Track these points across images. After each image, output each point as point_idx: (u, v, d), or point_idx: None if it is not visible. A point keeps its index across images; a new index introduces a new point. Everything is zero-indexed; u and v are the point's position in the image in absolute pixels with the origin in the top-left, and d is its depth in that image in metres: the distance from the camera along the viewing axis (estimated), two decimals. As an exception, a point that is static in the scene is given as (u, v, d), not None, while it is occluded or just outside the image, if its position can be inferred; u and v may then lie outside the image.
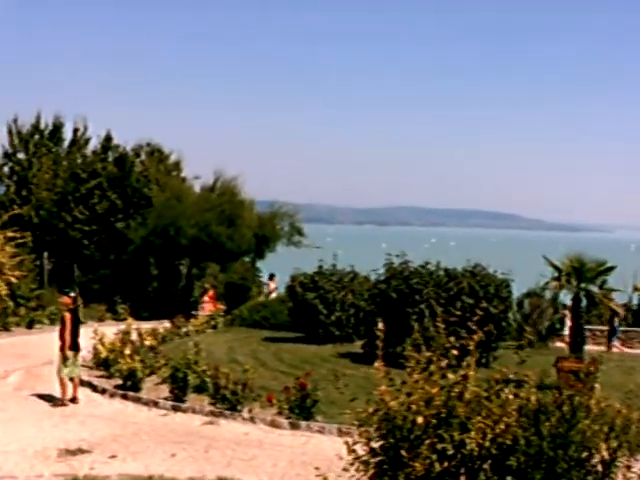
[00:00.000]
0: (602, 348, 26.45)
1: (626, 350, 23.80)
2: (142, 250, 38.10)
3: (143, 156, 41.95)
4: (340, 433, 11.63)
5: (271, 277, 33.89)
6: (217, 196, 39.20)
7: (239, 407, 13.39)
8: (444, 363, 6.08)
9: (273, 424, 12.84)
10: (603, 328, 30.30)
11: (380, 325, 6.71)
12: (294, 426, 12.67)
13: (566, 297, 20.41)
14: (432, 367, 6.07)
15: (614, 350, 25.08)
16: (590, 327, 29.33)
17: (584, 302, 19.94)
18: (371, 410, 6.21)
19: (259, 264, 45.02)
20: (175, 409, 13.79)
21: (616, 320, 26.23)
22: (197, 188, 41.78)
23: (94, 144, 42.62)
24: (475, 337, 6.27)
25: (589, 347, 25.11)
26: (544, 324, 25.78)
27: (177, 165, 43.52)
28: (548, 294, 24.31)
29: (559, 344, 24.10)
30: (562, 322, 25.46)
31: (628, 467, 5.75)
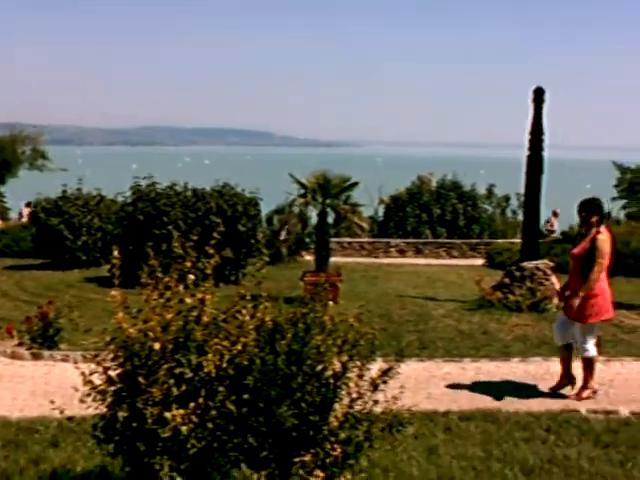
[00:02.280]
0: (350, 259, 27.56)
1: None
2: None
3: None
4: (85, 360, 11.36)
5: (28, 204, 32.52)
6: (-51, 120, 36.84)
7: (-24, 342, 12.76)
8: (181, 287, 5.97)
9: (14, 356, 12.31)
10: (351, 240, 31.55)
11: (115, 252, 6.46)
12: (36, 356, 12.22)
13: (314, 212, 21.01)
14: (168, 293, 5.95)
15: None
16: (339, 240, 30.47)
17: (332, 216, 20.56)
18: (108, 338, 6.03)
19: (4, 189, 43.07)
20: None
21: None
22: None
23: None
24: (212, 261, 6.18)
25: (339, 259, 26.12)
26: (293, 239, 26.45)
27: None
28: (296, 210, 24.96)
29: (308, 258, 24.86)
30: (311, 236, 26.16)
31: (360, 376, 5.95)
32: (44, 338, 12.47)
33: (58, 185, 23.85)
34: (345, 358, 5.79)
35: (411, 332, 13.89)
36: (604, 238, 9.57)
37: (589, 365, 9.95)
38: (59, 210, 22.13)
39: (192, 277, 6.03)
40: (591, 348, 9.85)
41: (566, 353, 10.21)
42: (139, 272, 6.17)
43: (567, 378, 10.23)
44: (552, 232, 30.26)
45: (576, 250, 9.81)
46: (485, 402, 9.78)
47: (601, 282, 9.68)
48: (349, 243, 31.36)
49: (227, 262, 18.17)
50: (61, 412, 6.16)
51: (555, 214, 31.74)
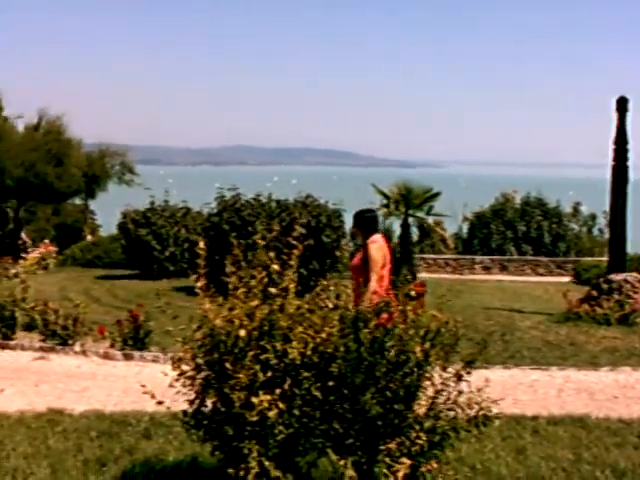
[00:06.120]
0: (435, 276, 27.44)
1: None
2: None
3: (-40, 95, 39.84)
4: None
5: None
6: (42, 135, 37.76)
7: (70, 342, 13.17)
8: (264, 275, 6.08)
9: (106, 356, 12.70)
10: (435, 256, 31.44)
11: (201, 244, 6.66)
12: (127, 357, 12.57)
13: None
14: (253, 281, 6.09)
15: None
16: (423, 256, 30.36)
17: (416, 232, 20.56)
18: (194, 327, 6.20)
19: (94, 206, 44.15)
20: (3, 347, 13.43)
21: None
22: (20, 127, 40.17)
23: None
24: (295, 251, 6.30)
25: (423, 275, 26.00)
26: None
27: (-3, 104, 41.56)
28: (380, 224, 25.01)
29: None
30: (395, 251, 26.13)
31: (444, 368, 5.99)
32: (135, 340, 12.81)
33: (145, 201, 24.43)
34: (427, 345, 5.84)
35: (497, 342, 13.80)
36: (377, 247, 9.05)
37: None
38: (147, 221, 22.67)
39: (276, 267, 6.15)
40: None
41: None
42: (225, 281, 6.26)
43: None
44: None
45: (354, 261, 9.36)
46: (574, 408, 9.69)
47: (379, 292, 9.21)
48: (434, 260, 31.23)
49: (312, 273, 18.28)
50: (160, 403, 6.33)
51: None
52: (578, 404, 9.89)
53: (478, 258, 31.93)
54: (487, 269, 31.29)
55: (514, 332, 14.81)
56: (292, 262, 6.24)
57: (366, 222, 9.42)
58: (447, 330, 6.03)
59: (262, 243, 6.32)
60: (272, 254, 6.20)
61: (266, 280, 6.08)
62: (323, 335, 5.86)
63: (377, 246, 9.08)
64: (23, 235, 33.53)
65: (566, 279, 26.84)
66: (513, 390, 10.55)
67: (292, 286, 6.09)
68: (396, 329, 5.82)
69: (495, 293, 22.01)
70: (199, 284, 6.30)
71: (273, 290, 6.07)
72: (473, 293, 21.61)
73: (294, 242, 6.29)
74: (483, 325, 15.43)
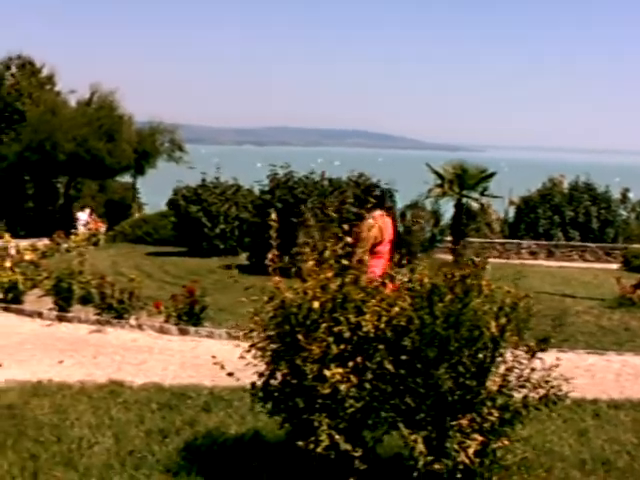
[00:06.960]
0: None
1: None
2: (17, 166, 36.71)
3: (14, 69, 40.30)
4: (229, 337, 11.62)
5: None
6: (94, 110, 38.03)
7: (126, 315, 13.27)
8: (339, 246, 6.04)
9: (161, 330, 12.79)
10: (482, 240, 31.12)
11: (273, 215, 6.64)
12: (183, 332, 12.64)
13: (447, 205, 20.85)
14: (327, 253, 6.05)
15: None
16: (469, 240, 30.08)
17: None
18: (266, 298, 6.17)
19: (139, 184, 44.45)
20: (60, 319, 13.60)
21: None
22: (73, 102, 40.51)
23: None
24: (367, 223, 6.26)
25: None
26: (426, 235, 26.25)
27: (50, 79, 42.00)
28: (429, 205, 24.82)
29: (441, 256, 24.61)
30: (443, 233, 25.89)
31: (516, 345, 5.92)
32: (190, 315, 12.84)
33: (189, 179, 24.49)
34: (503, 321, 5.78)
35: (550, 326, 13.67)
36: (370, 223, 8.57)
37: None
38: (198, 198, 22.67)
39: (349, 239, 6.11)
40: None
41: None
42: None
43: None
44: None
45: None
46: (633, 393, 9.58)
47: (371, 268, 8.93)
48: (480, 243, 30.90)
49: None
50: (230, 374, 6.30)
51: None
52: (637, 389, 9.77)
53: (525, 243, 31.56)
54: (533, 254, 30.92)
55: (567, 317, 14.69)
56: (364, 234, 6.22)
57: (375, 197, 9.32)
58: (522, 307, 5.96)
59: (336, 216, 6.26)
60: (346, 226, 6.16)
61: (340, 252, 6.05)
62: (397, 309, 5.81)
63: (371, 223, 8.72)
64: (86, 211, 33.77)
65: (614, 266, 26.45)
66: (570, 374, 10.42)
67: (366, 258, 6.06)
68: (471, 303, 5.74)
69: (545, 278, 21.81)
70: (270, 256, 6.27)
71: (346, 262, 6.04)
72: (522, 277, 21.35)
73: (363, 212, 6.26)
74: (536, 309, 15.28)
